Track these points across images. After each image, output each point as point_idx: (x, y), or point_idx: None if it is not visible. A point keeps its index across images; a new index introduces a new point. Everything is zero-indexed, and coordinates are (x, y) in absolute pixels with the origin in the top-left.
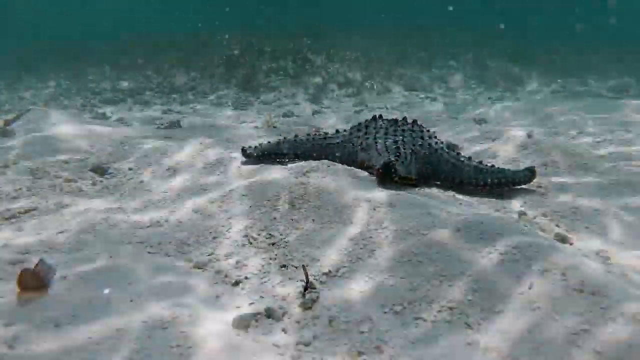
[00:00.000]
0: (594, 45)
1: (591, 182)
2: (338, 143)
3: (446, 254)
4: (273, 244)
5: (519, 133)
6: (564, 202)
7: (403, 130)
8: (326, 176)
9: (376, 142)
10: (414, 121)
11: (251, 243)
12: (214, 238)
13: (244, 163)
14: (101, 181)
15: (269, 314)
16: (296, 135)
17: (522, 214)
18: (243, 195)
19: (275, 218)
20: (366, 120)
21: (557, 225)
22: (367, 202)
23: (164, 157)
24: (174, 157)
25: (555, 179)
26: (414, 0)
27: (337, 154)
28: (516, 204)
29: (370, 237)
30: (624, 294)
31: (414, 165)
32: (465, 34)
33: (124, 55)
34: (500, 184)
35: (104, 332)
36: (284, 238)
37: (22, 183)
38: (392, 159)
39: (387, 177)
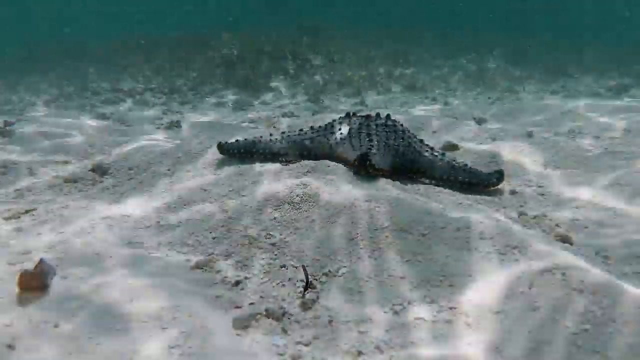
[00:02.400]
0: (594, 46)
1: (591, 182)
2: (313, 139)
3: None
4: (273, 244)
5: (519, 132)
6: (564, 202)
7: (377, 125)
8: (326, 176)
9: (350, 137)
10: (387, 116)
11: (251, 243)
12: (214, 238)
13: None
14: (101, 181)
15: (269, 313)
16: (271, 134)
17: (522, 214)
18: (243, 195)
19: (275, 218)
20: (340, 117)
21: (557, 225)
22: (366, 201)
23: (164, 157)
24: (174, 156)
25: (555, 179)
26: (414, 1)
27: (312, 150)
28: (516, 204)
29: (370, 236)
30: None
31: (388, 157)
32: (466, 34)
33: (124, 55)
34: (470, 183)
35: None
36: (284, 238)
37: (22, 183)
38: (366, 150)
39: (362, 168)
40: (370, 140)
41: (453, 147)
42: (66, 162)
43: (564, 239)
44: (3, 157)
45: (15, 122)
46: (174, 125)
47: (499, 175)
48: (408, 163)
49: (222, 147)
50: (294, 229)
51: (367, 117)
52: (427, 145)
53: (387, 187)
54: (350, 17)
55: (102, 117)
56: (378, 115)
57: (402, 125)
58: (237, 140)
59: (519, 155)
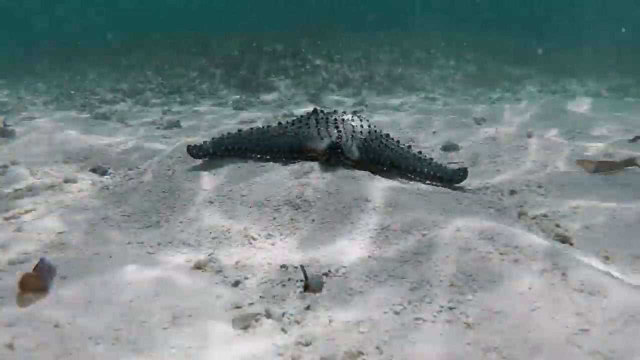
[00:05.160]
0: (594, 46)
1: (591, 182)
2: (281, 134)
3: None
4: (273, 243)
5: (519, 132)
6: (564, 202)
7: (343, 120)
8: (326, 176)
9: (318, 130)
10: (354, 112)
11: (251, 243)
12: (214, 238)
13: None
14: (101, 181)
15: (269, 314)
16: (239, 130)
17: (522, 213)
18: (242, 195)
19: (275, 218)
20: (307, 113)
21: (557, 225)
22: (367, 201)
23: (163, 158)
24: (174, 157)
25: (555, 179)
26: (414, 2)
27: (281, 145)
28: (516, 204)
29: (370, 236)
30: None
31: (356, 148)
32: (465, 34)
33: (123, 55)
34: (435, 176)
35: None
36: (284, 238)
37: (22, 183)
38: (335, 140)
39: (332, 158)
40: (339, 132)
41: (453, 147)
42: (66, 162)
43: (564, 239)
44: (3, 157)
45: (15, 122)
46: (174, 126)
47: (463, 173)
48: (375, 155)
49: (191, 152)
50: (294, 229)
51: (334, 112)
52: (392, 139)
53: (387, 187)
54: (351, 17)
55: (102, 117)
56: (344, 111)
57: (367, 120)
58: (205, 142)
59: (519, 153)
